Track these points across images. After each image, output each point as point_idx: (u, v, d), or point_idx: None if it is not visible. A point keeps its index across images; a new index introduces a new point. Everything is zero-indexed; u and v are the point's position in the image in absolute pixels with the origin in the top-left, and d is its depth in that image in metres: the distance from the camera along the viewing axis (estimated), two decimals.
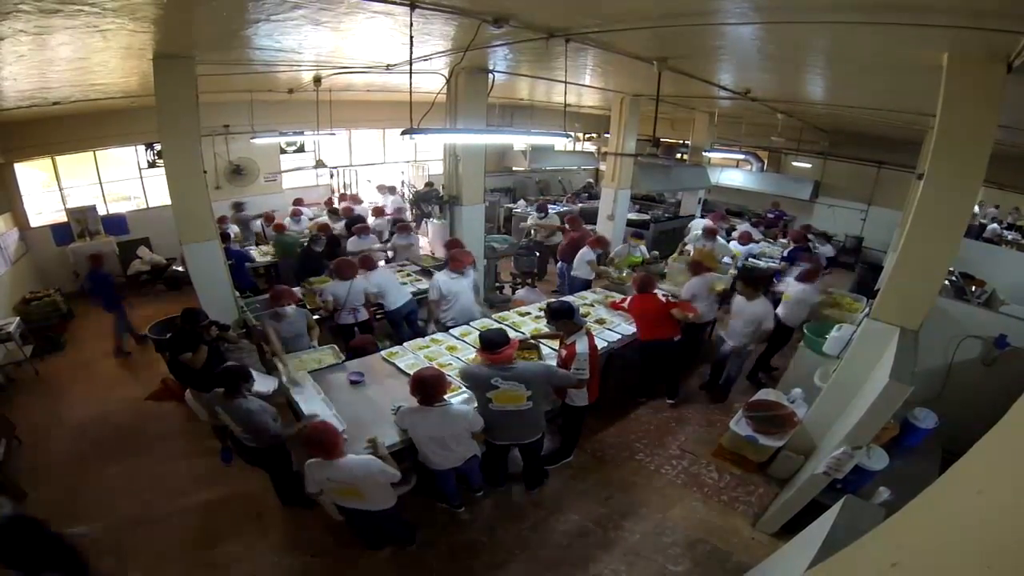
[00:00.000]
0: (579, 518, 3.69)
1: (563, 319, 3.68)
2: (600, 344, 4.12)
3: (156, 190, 8.52)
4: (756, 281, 4.95)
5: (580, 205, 11.13)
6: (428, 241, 7.95)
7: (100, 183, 8.27)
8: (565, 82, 4.53)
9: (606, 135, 10.65)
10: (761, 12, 2.67)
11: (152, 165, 8.55)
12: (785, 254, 7.42)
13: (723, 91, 5.65)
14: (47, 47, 3.27)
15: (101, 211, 8.19)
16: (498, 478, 3.89)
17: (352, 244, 6.92)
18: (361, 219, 7.91)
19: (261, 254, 7.46)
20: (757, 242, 8.07)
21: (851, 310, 5.47)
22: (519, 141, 11.33)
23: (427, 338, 4.58)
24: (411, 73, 3.60)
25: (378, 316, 5.41)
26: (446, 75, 5.25)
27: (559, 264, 7.57)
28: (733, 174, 11.90)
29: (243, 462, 3.90)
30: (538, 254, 8.10)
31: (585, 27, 3.34)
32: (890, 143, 9.12)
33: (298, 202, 9.00)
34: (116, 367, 5.88)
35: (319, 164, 8.91)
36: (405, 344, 4.48)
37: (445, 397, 3.11)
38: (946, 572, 1.16)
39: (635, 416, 4.92)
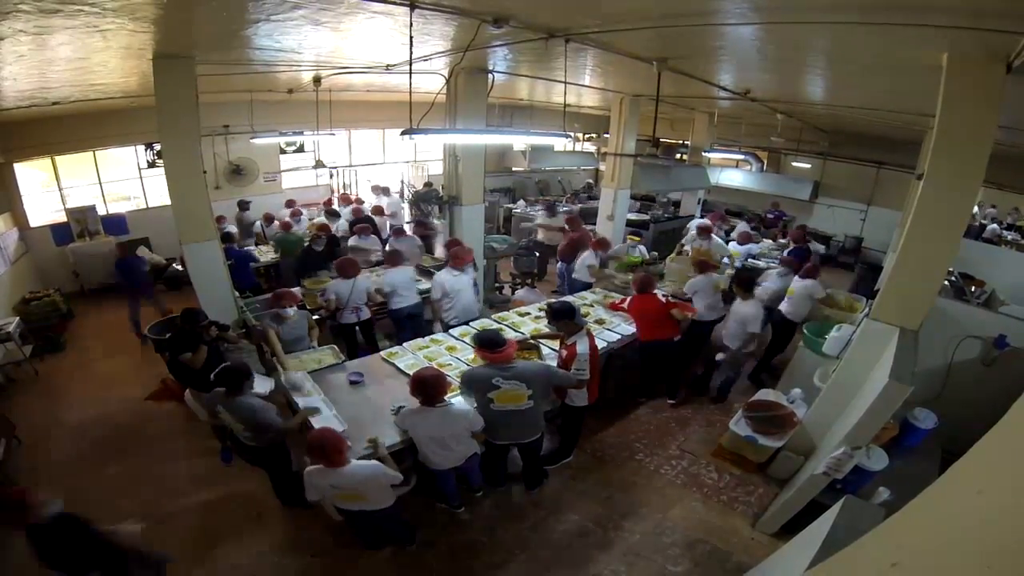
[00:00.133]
0: (579, 518, 3.69)
1: (564, 320, 3.68)
2: (600, 344, 4.12)
3: (156, 190, 8.52)
4: (751, 282, 4.97)
5: (579, 206, 11.14)
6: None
7: (100, 183, 8.27)
8: (565, 82, 4.53)
9: (606, 135, 10.65)
10: (761, 12, 2.67)
11: (152, 165, 8.55)
12: (785, 254, 7.42)
13: (723, 91, 5.65)
14: (47, 47, 3.27)
15: (101, 211, 8.19)
16: (498, 478, 3.89)
17: (352, 244, 6.92)
18: (369, 220, 7.93)
19: (260, 253, 7.46)
20: (757, 242, 8.08)
21: (851, 310, 5.48)
22: (519, 141, 11.33)
23: (427, 338, 4.58)
24: (411, 73, 3.60)
25: (379, 317, 5.41)
26: (446, 75, 5.25)
27: (559, 264, 7.58)
28: (733, 174, 11.91)
29: (243, 462, 3.91)
30: (538, 254, 8.09)
31: (585, 27, 3.34)
32: (890, 143, 9.13)
33: (291, 203, 8.96)
34: (116, 367, 5.88)
35: (319, 164, 8.93)
36: (405, 344, 4.48)
37: (445, 398, 3.11)
38: (946, 572, 1.16)
39: (635, 416, 4.92)
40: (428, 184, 10.10)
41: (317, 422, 3.29)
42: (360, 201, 9.74)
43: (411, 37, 3.08)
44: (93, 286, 7.93)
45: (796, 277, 5.45)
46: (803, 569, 2.02)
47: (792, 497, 3.46)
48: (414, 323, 5.18)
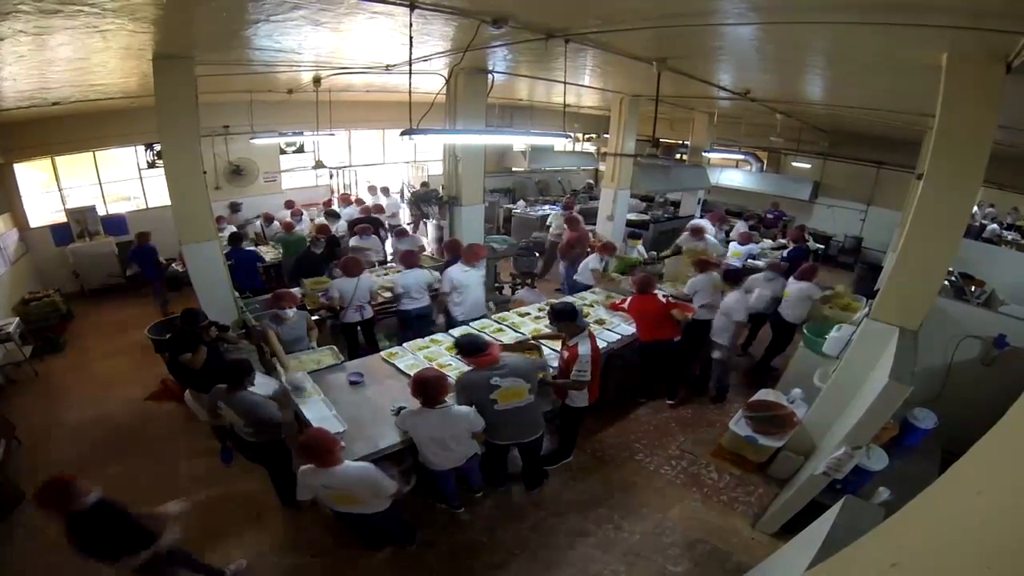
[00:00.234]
0: (579, 518, 3.69)
1: (566, 321, 3.67)
2: (600, 344, 4.12)
3: (156, 190, 8.52)
4: (735, 276, 5.23)
5: (578, 206, 11.12)
6: (427, 242, 7.96)
7: (100, 183, 8.27)
8: (564, 82, 4.53)
9: (605, 135, 10.65)
10: (760, 12, 2.67)
11: (152, 165, 8.55)
12: (785, 254, 7.42)
13: (722, 91, 5.65)
14: (47, 47, 3.27)
15: (101, 211, 8.19)
16: (498, 478, 3.89)
17: (353, 244, 6.92)
18: (373, 220, 7.95)
19: (262, 253, 7.44)
20: (757, 242, 8.08)
21: (851, 310, 5.47)
22: (519, 141, 11.34)
23: (427, 338, 4.58)
24: (411, 73, 3.60)
25: (380, 317, 5.41)
26: (445, 75, 5.25)
27: (562, 265, 7.58)
28: (732, 174, 11.92)
29: (243, 463, 3.90)
30: (538, 254, 8.09)
31: (584, 27, 3.34)
32: (890, 143, 9.13)
33: (290, 204, 8.95)
34: (116, 368, 5.87)
35: (318, 164, 8.93)
36: (405, 344, 4.48)
37: (446, 399, 3.11)
38: (946, 572, 1.16)
39: (635, 416, 4.92)
40: (424, 184, 10.12)
41: (314, 420, 3.30)
42: (360, 201, 9.76)
43: (411, 37, 3.09)
44: (93, 287, 7.94)
45: (792, 279, 5.44)
46: (803, 569, 2.02)
47: (792, 497, 3.46)
48: (421, 324, 5.19)
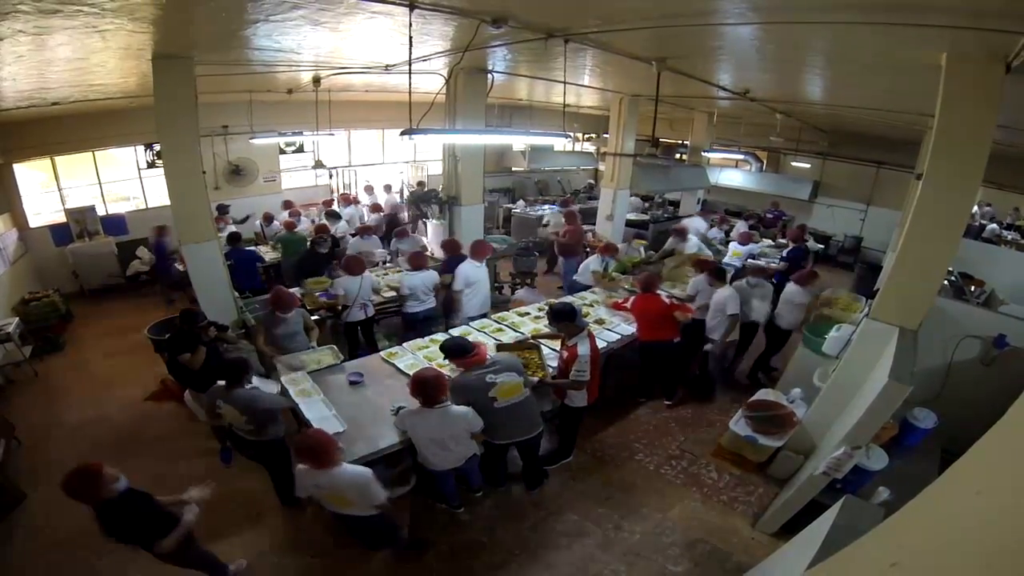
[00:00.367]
0: (579, 518, 3.69)
1: (565, 321, 3.67)
2: (600, 344, 4.12)
3: (155, 190, 8.51)
4: (720, 271, 5.25)
5: (578, 205, 11.13)
6: (427, 241, 7.94)
7: (99, 183, 8.26)
8: (564, 82, 4.53)
9: (605, 135, 10.65)
10: (760, 12, 2.67)
11: (151, 165, 8.54)
12: (784, 254, 7.43)
13: (722, 91, 5.65)
14: (46, 47, 3.27)
15: (100, 211, 8.18)
16: (498, 478, 3.89)
17: (353, 245, 6.92)
18: (396, 221, 7.99)
19: (262, 253, 7.43)
20: (757, 242, 8.08)
21: (850, 310, 5.47)
22: (518, 141, 11.34)
23: (427, 338, 4.58)
24: (410, 73, 3.60)
25: (379, 317, 5.41)
26: (445, 75, 5.25)
27: (560, 259, 7.59)
28: (732, 174, 11.92)
29: (243, 463, 3.91)
30: (537, 253, 8.08)
31: (584, 27, 3.34)
32: (889, 143, 9.14)
33: (289, 204, 8.90)
34: (115, 368, 5.87)
35: (318, 164, 8.92)
36: (405, 344, 4.48)
37: (445, 398, 3.11)
38: (946, 572, 1.16)
39: (635, 416, 4.92)
40: (421, 184, 10.13)
41: (314, 420, 3.30)
42: (356, 200, 9.76)
43: (410, 37, 3.09)
44: (93, 287, 7.93)
45: (790, 283, 5.40)
46: (803, 569, 2.02)
47: (792, 497, 3.46)
48: (426, 326, 5.20)
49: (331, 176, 11.08)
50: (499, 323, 4.94)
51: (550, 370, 3.83)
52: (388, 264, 6.86)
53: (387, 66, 5.07)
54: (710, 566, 3.34)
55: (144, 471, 4.11)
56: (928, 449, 3.60)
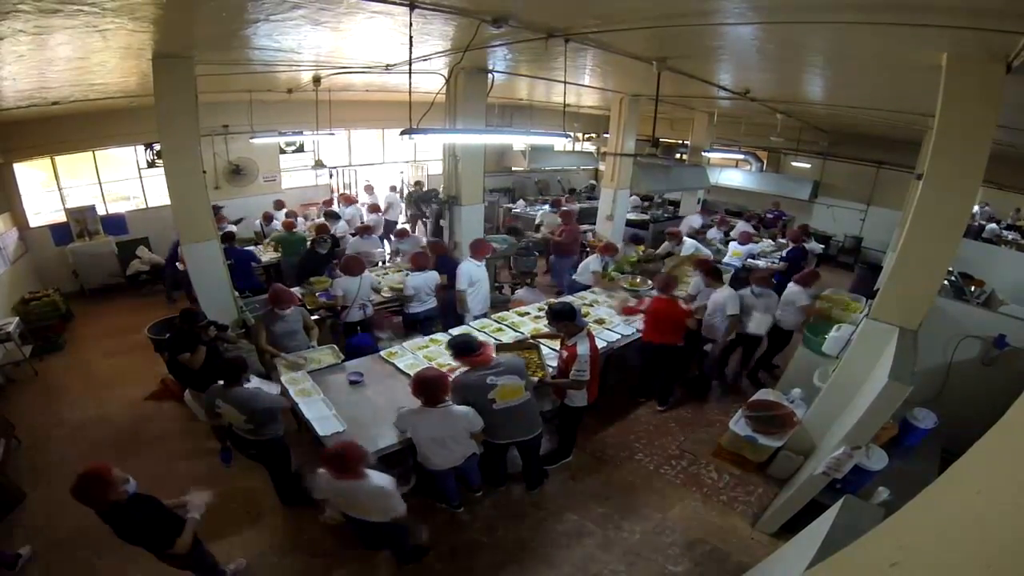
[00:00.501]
0: (579, 518, 3.69)
1: (564, 320, 3.67)
2: (600, 344, 4.12)
3: (155, 190, 8.50)
4: (718, 271, 5.19)
5: (577, 205, 11.14)
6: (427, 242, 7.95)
7: (99, 183, 8.25)
8: (564, 82, 4.53)
9: (605, 135, 10.65)
10: (760, 12, 2.67)
11: (151, 165, 8.53)
12: (784, 254, 7.43)
13: (722, 91, 5.65)
14: (46, 47, 3.27)
15: (100, 211, 8.17)
16: (498, 478, 3.89)
17: (352, 245, 6.92)
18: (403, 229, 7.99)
19: (260, 252, 7.43)
20: (757, 242, 8.08)
21: (850, 310, 5.47)
22: (518, 141, 11.33)
23: (426, 338, 4.59)
24: (410, 73, 3.60)
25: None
26: (445, 75, 5.25)
27: (551, 258, 7.58)
28: (732, 174, 11.91)
29: (243, 463, 3.91)
30: (537, 253, 8.08)
31: (585, 27, 3.34)
32: (890, 143, 9.13)
33: (280, 204, 8.87)
34: (115, 367, 5.87)
35: (318, 164, 8.92)
36: (405, 344, 4.48)
37: (447, 398, 3.11)
38: (946, 572, 1.16)
39: (635, 416, 4.92)
40: (419, 183, 10.13)
41: (314, 419, 3.30)
42: (355, 200, 9.75)
43: (411, 37, 3.08)
44: (93, 286, 7.93)
45: (791, 283, 5.39)
46: (803, 569, 2.02)
47: (792, 497, 3.46)
48: (427, 326, 5.21)
49: (331, 176, 11.08)
50: (499, 323, 4.94)
51: (550, 370, 3.83)
52: (388, 264, 6.87)
53: (387, 66, 5.07)
54: (710, 566, 3.34)
55: (144, 471, 4.07)
56: (928, 449, 3.60)
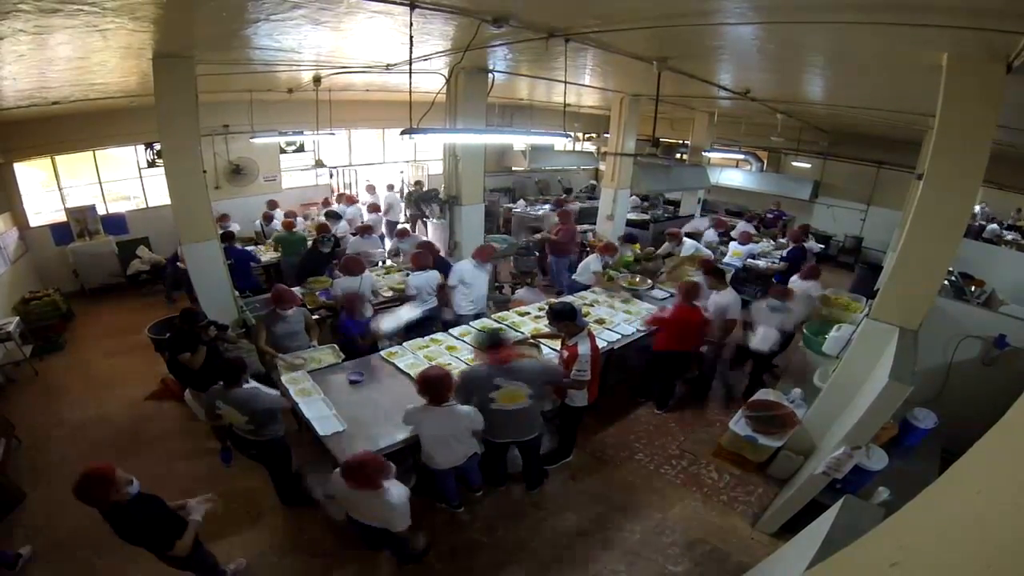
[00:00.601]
0: (579, 518, 3.69)
1: (565, 321, 3.66)
2: (600, 344, 4.12)
3: (156, 190, 8.50)
4: (720, 272, 5.11)
5: (577, 205, 11.13)
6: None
7: (100, 183, 8.26)
8: (565, 82, 4.53)
9: (606, 135, 10.65)
10: (761, 12, 2.67)
11: (152, 165, 8.53)
12: (784, 253, 7.43)
13: (723, 91, 5.65)
14: (46, 47, 3.27)
15: (101, 211, 8.17)
16: (498, 478, 3.89)
17: (353, 245, 6.92)
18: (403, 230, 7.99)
19: (260, 252, 7.43)
20: (757, 242, 8.08)
21: (850, 310, 5.47)
22: (519, 141, 11.32)
23: (427, 338, 4.59)
24: (411, 73, 3.60)
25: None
26: (446, 75, 5.25)
27: (550, 258, 7.57)
28: (733, 174, 11.91)
29: (243, 464, 3.91)
30: (537, 253, 8.08)
31: (585, 27, 3.34)
32: (890, 143, 9.13)
33: (273, 204, 8.83)
34: (116, 367, 5.87)
35: (318, 164, 8.92)
36: (405, 344, 4.48)
37: (452, 397, 3.11)
38: (946, 572, 1.16)
39: (635, 416, 4.92)
40: (418, 183, 10.13)
41: (314, 419, 3.30)
42: (356, 200, 9.75)
43: (411, 37, 3.09)
44: (93, 286, 7.93)
45: (795, 278, 5.40)
46: (803, 569, 2.02)
47: (792, 497, 3.46)
48: (427, 325, 5.19)
49: (331, 175, 11.08)
50: (499, 323, 4.94)
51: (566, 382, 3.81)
52: (390, 264, 6.86)
53: (388, 65, 5.07)
54: (710, 566, 3.34)
55: (144, 471, 4.07)
56: (928, 449, 3.60)
